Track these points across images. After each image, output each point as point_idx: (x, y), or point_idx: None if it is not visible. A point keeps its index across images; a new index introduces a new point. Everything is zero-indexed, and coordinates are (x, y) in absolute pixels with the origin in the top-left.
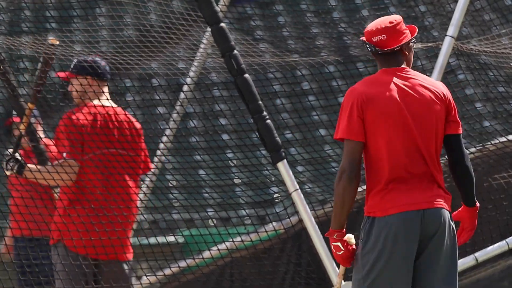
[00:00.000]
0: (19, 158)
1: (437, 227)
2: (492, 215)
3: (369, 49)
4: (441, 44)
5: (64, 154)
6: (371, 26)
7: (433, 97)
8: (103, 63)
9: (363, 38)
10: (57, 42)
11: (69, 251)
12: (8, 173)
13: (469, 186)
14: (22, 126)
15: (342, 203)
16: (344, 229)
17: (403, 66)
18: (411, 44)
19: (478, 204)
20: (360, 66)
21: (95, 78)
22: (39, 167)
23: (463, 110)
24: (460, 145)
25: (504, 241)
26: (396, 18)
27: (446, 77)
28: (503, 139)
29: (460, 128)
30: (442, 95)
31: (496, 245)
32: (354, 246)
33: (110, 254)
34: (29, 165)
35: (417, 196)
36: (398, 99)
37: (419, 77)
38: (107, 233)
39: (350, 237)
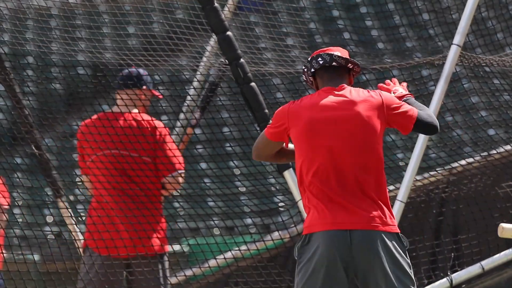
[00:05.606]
0: None
1: (368, 250)
2: (498, 223)
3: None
4: (446, 55)
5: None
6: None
7: (364, 110)
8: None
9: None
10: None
11: (96, 254)
12: None
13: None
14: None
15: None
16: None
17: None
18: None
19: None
20: (363, 75)
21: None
22: None
23: (468, 118)
24: (424, 125)
25: (510, 249)
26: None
27: (453, 86)
28: (509, 147)
29: (412, 113)
30: (375, 104)
31: (502, 253)
32: None
33: (131, 251)
34: None
35: (346, 215)
36: (326, 117)
37: (348, 94)
38: (127, 231)
39: None
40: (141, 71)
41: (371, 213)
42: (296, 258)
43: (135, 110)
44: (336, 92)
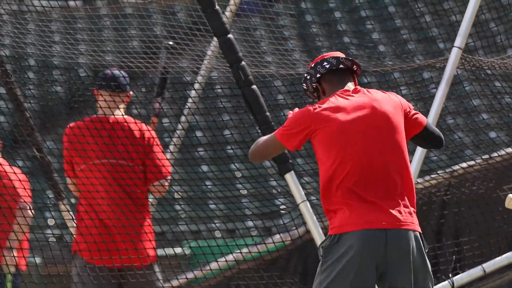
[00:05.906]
0: None
1: (403, 249)
2: (500, 226)
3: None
4: (447, 58)
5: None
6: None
7: (388, 109)
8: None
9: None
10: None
11: (86, 263)
12: None
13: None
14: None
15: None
16: None
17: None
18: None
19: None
20: (365, 78)
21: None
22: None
23: (470, 121)
24: (430, 134)
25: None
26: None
27: (455, 88)
28: (510, 150)
29: (422, 119)
30: (395, 103)
31: (504, 256)
32: None
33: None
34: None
35: (380, 215)
36: (356, 118)
37: (368, 94)
38: (114, 240)
39: None
40: (124, 73)
41: (404, 212)
42: (321, 257)
43: (119, 113)
44: (356, 94)
